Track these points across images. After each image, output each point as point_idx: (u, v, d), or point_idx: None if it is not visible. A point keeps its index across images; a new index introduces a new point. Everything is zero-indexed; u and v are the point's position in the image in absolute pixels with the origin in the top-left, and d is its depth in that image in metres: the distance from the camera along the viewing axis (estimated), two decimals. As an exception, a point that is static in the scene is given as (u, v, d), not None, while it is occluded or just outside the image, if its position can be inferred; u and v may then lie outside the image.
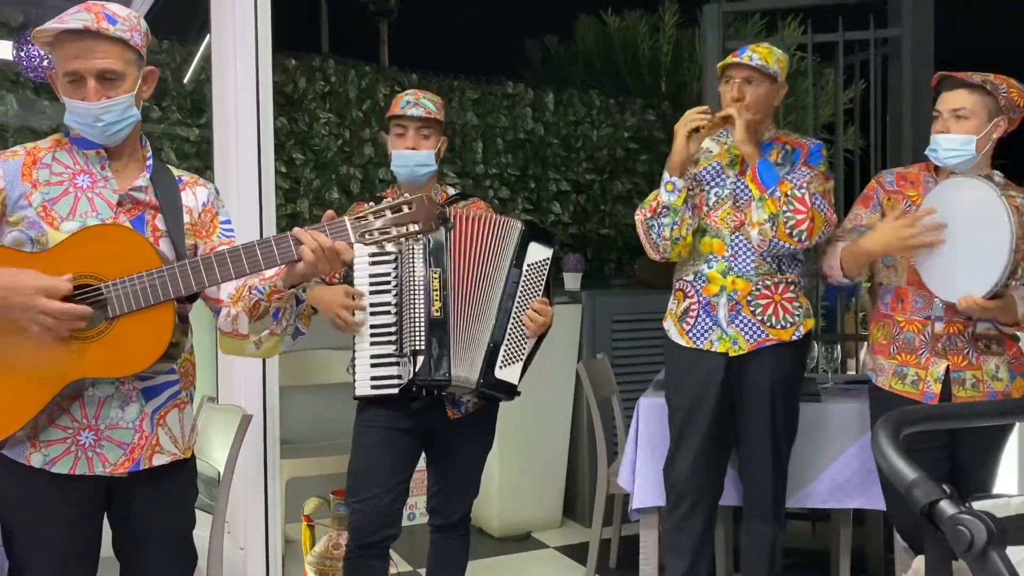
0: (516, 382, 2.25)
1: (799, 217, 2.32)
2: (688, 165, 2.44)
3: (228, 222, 1.82)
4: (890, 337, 2.39)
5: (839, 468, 2.70)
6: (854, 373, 3.66)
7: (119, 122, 1.63)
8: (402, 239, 1.60)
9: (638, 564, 2.85)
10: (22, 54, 3.69)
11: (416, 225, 1.60)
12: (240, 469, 2.48)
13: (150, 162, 1.73)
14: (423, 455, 2.39)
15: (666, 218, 2.43)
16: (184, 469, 1.78)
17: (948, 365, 2.29)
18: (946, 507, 0.95)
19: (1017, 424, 2.45)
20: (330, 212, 1.65)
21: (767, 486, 2.50)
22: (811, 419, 2.72)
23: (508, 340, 2.24)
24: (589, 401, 3.26)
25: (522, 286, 2.26)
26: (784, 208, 2.33)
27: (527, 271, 2.27)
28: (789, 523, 3.71)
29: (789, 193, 2.33)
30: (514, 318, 2.25)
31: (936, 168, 2.38)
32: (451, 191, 2.47)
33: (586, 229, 5.22)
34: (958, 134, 2.23)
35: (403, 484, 2.31)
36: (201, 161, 4.03)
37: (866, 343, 2.57)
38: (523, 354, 2.26)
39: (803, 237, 2.34)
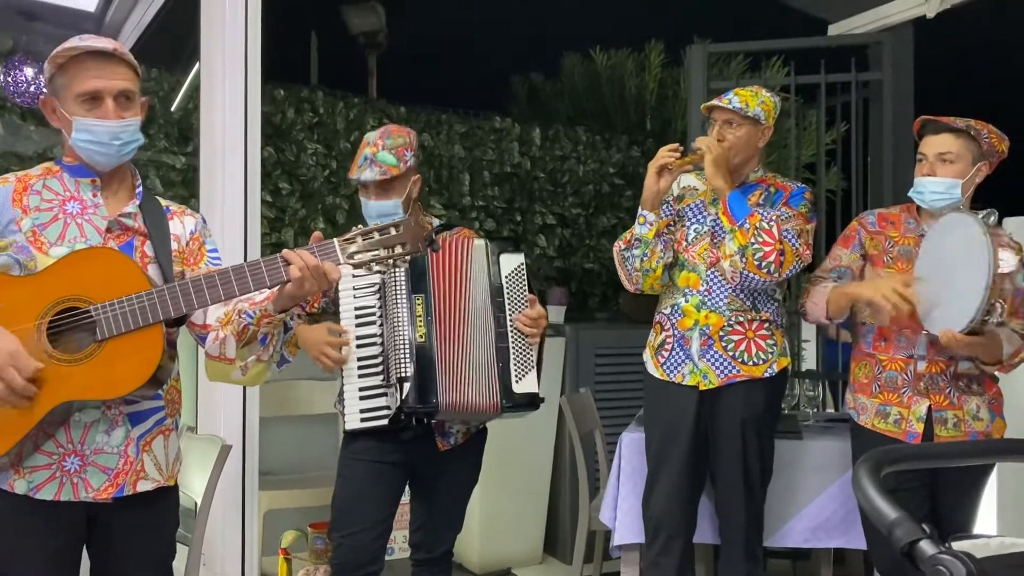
0: (536, 390, 2.25)
1: (767, 249, 2.34)
2: (659, 200, 2.48)
3: (215, 250, 1.83)
4: (872, 376, 2.41)
5: (820, 506, 2.70)
6: (833, 411, 3.67)
7: (132, 142, 1.68)
8: (390, 260, 1.61)
9: (619, 602, 2.82)
10: (9, 79, 3.69)
11: (404, 247, 1.61)
12: (218, 500, 2.45)
13: (139, 189, 1.75)
14: (407, 488, 2.37)
15: (637, 250, 2.49)
16: (167, 497, 1.77)
17: (930, 404, 2.31)
18: (926, 547, 0.95)
19: (997, 465, 2.46)
20: (317, 234, 1.68)
21: (740, 524, 2.49)
22: (792, 456, 2.72)
23: (515, 354, 2.24)
24: (571, 435, 3.25)
25: (508, 299, 2.26)
26: (752, 240, 2.35)
27: (507, 283, 2.27)
28: (769, 561, 3.70)
29: (758, 225, 2.36)
30: (512, 331, 2.25)
31: (919, 209, 2.41)
32: (436, 222, 2.47)
33: (571, 263, 5.24)
34: (945, 177, 2.27)
35: (389, 519, 2.29)
36: (187, 189, 4.02)
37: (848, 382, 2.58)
38: (533, 361, 2.26)
39: (771, 269, 2.35)
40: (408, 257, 1.62)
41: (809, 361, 4.36)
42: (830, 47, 3.92)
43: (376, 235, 1.61)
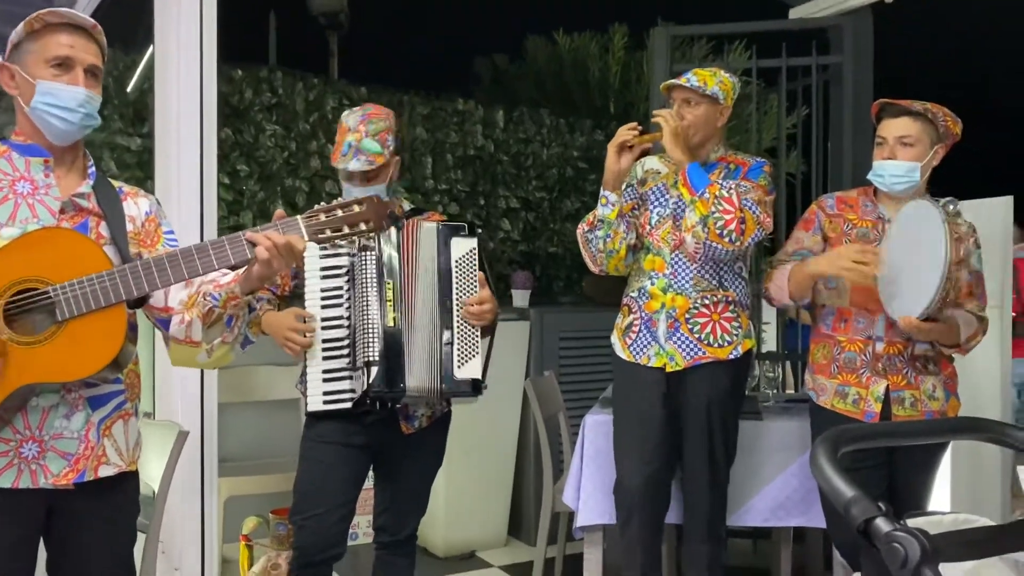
0: (479, 376, 2.23)
1: (727, 217, 2.35)
2: (621, 180, 2.49)
3: (171, 232, 1.81)
4: (830, 357, 2.44)
5: (780, 486, 2.74)
6: (793, 392, 3.72)
7: (93, 117, 1.65)
8: (353, 237, 1.62)
9: (582, 583, 2.84)
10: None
11: (367, 224, 1.61)
12: (176, 487, 2.41)
13: (92, 170, 1.72)
14: (371, 472, 2.36)
15: (600, 231, 2.50)
16: (128, 483, 1.74)
17: (888, 384, 2.34)
18: (881, 524, 0.96)
19: (951, 443, 2.51)
20: (279, 212, 1.66)
21: (704, 506, 2.51)
22: (752, 437, 2.75)
23: (459, 338, 2.22)
24: (536, 418, 3.25)
25: (456, 284, 2.24)
26: (713, 209, 2.37)
27: (457, 267, 2.25)
28: (730, 541, 3.75)
29: (717, 194, 2.38)
30: (458, 315, 2.23)
31: (876, 192, 2.44)
32: (407, 205, 2.44)
33: (535, 247, 5.23)
34: (904, 160, 2.30)
35: (351, 502, 2.28)
36: (142, 171, 3.93)
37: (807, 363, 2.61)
38: (478, 348, 2.24)
39: (733, 237, 2.36)
40: (372, 235, 1.64)
41: (769, 343, 4.41)
42: (791, 31, 3.94)
43: (339, 212, 1.61)
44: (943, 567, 0.92)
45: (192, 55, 2.61)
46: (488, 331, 2.29)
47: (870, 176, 2.38)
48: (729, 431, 2.53)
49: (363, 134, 2.25)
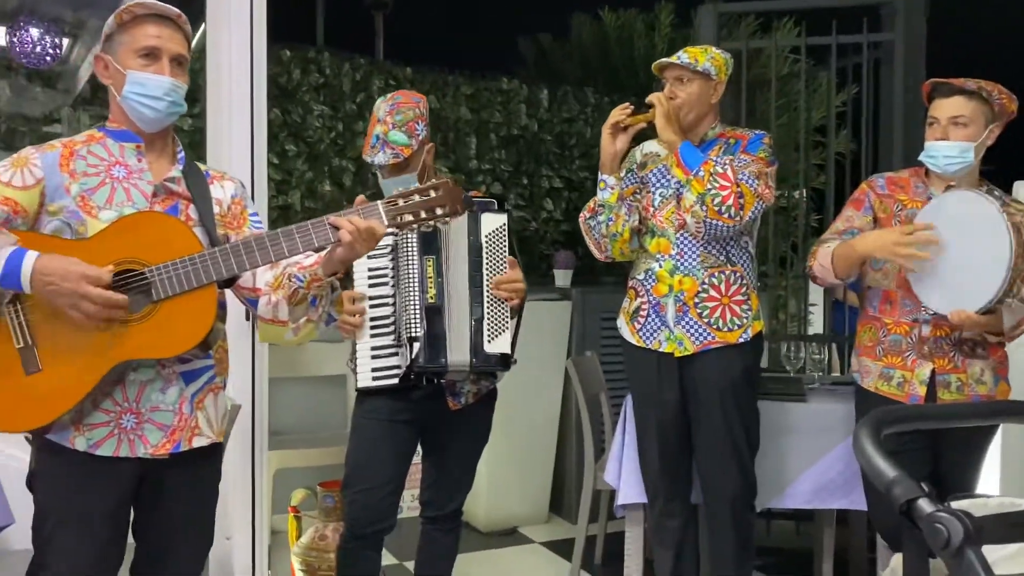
0: (509, 351, 2.27)
1: (724, 193, 2.34)
2: (617, 162, 2.49)
3: (256, 214, 1.90)
4: (876, 339, 2.41)
5: (823, 468, 2.72)
6: (839, 374, 3.68)
7: (179, 105, 1.73)
8: (431, 222, 1.67)
9: (623, 560, 2.87)
10: (15, 40, 3.67)
11: (444, 208, 1.67)
12: (228, 459, 2.48)
13: (181, 155, 1.81)
14: (419, 447, 2.41)
15: (601, 216, 2.52)
16: (216, 453, 1.84)
17: (934, 368, 2.31)
18: (924, 505, 0.96)
19: (1001, 427, 2.48)
20: (361, 197, 1.77)
21: (729, 492, 2.49)
22: (796, 419, 2.74)
23: (488, 313, 2.25)
24: (577, 398, 3.27)
25: (486, 258, 2.27)
26: (709, 186, 2.35)
27: (486, 242, 2.28)
28: (773, 523, 3.75)
29: (712, 171, 2.36)
30: (488, 291, 2.26)
31: (927, 173, 2.40)
32: None
33: (578, 227, 5.22)
34: (958, 141, 2.25)
35: (401, 476, 2.33)
36: (194, 151, 4.00)
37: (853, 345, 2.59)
38: (507, 323, 2.27)
39: (732, 213, 2.34)
40: (448, 219, 1.68)
41: (816, 325, 4.37)
42: (842, 7, 3.87)
43: (417, 197, 1.67)
44: (986, 549, 0.92)
45: (243, 36, 2.65)
46: (516, 309, 2.32)
47: (922, 157, 2.33)
48: (746, 416, 2.51)
49: (390, 126, 2.24)
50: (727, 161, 2.38)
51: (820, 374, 3.13)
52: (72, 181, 1.67)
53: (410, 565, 2.56)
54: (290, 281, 1.73)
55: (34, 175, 1.65)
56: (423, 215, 1.67)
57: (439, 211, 1.67)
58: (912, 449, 2.24)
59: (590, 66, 6.09)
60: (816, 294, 4.35)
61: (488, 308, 2.26)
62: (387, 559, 3.40)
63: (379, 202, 1.67)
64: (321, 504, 2.86)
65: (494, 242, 2.29)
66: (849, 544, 3.32)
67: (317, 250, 1.69)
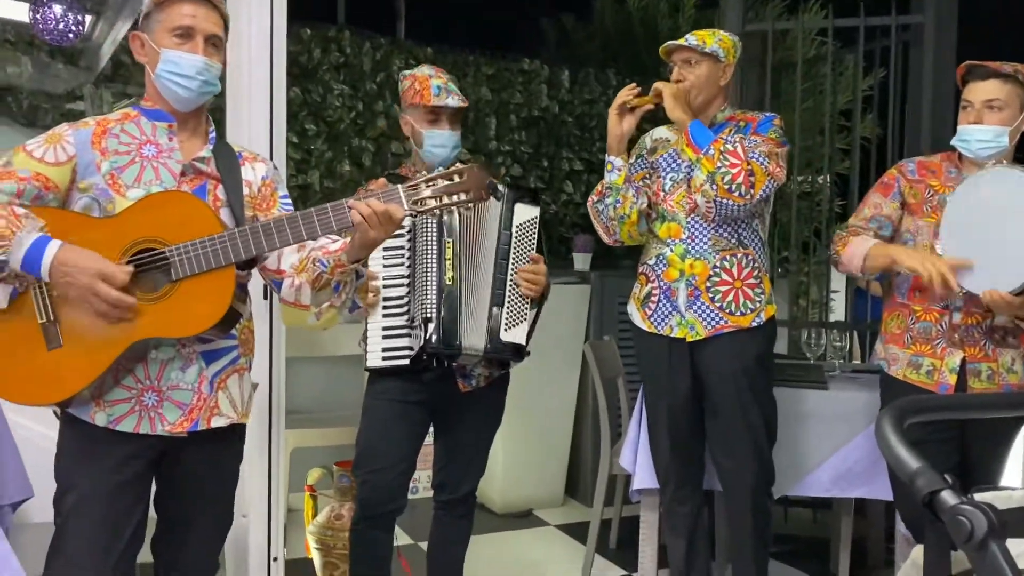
0: (523, 343, 2.26)
1: (734, 171, 2.31)
2: (624, 144, 2.47)
3: (287, 196, 1.89)
4: (904, 326, 2.37)
5: (844, 457, 2.70)
6: (860, 362, 3.65)
7: (212, 84, 1.73)
8: (453, 208, 1.63)
9: (638, 544, 2.86)
10: (38, 16, 3.68)
11: (467, 194, 1.63)
12: (246, 437, 2.50)
13: (212, 135, 1.81)
14: (431, 429, 2.40)
15: (609, 199, 2.49)
16: (237, 433, 1.85)
17: (964, 356, 2.28)
18: (947, 497, 0.95)
19: (1026, 418, 2.43)
20: (382, 180, 1.72)
21: (746, 479, 2.47)
22: (817, 407, 2.71)
23: (508, 303, 2.25)
24: (595, 382, 3.26)
25: (514, 248, 2.27)
26: (719, 164, 2.32)
27: (516, 232, 2.28)
28: (790, 510, 3.73)
29: (722, 148, 2.33)
30: (511, 280, 2.26)
31: (960, 158, 2.35)
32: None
33: (598, 210, 5.19)
34: (992, 125, 2.21)
35: (412, 457, 2.33)
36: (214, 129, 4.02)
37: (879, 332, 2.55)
38: (525, 315, 2.27)
39: (742, 191, 2.31)
40: (471, 205, 1.64)
41: (837, 312, 4.32)
42: (871, -11, 3.79)
43: (440, 182, 1.63)
44: (1010, 543, 0.90)
45: (263, 13, 2.63)
46: (536, 302, 2.32)
47: (955, 141, 2.29)
48: (762, 401, 2.48)
49: (445, 79, 2.31)
50: (737, 139, 2.35)
51: (841, 361, 3.10)
52: (103, 159, 1.68)
53: (425, 546, 2.56)
54: (314, 265, 1.72)
55: (66, 152, 1.66)
56: (445, 200, 1.62)
57: (462, 196, 1.63)
58: (939, 439, 2.21)
59: (612, 47, 6.03)
60: (838, 281, 4.29)
61: (509, 297, 2.25)
62: (402, 539, 3.42)
63: (400, 186, 1.64)
64: (337, 484, 2.87)
65: (524, 233, 2.29)
66: (867, 534, 3.30)
67: (336, 233, 1.68)
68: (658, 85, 2.41)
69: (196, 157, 1.75)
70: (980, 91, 2.23)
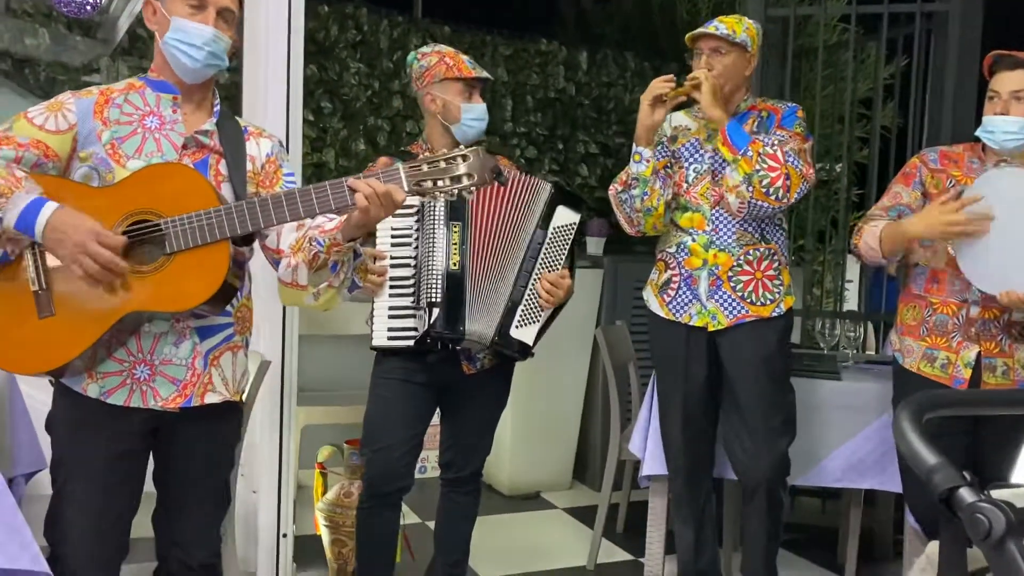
0: (531, 343, 2.26)
1: (773, 175, 2.28)
2: (654, 135, 2.42)
3: (291, 174, 1.85)
4: (920, 319, 2.35)
5: (855, 447, 2.69)
6: (874, 353, 3.62)
7: (219, 58, 1.70)
8: (455, 191, 1.58)
9: (645, 529, 2.87)
10: (56, -12, 3.67)
11: (470, 178, 1.57)
12: (257, 414, 2.51)
13: (218, 108, 1.78)
14: (438, 409, 2.41)
15: (636, 189, 2.43)
16: (231, 412, 1.83)
17: (980, 351, 2.26)
18: (965, 494, 0.93)
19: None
20: (385, 159, 1.69)
21: (764, 469, 2.46)
22: (830, 397, 2.70)
23: (526, 301, 2.25)
24: (606, 367, 3.26)
25: (545, 248, 2.27)
26: (758, 167, 2.29)
27: (552, 234, 2.28)
28: (798, 499, 3.72)
29: (761, 151, 2.30)
30: (534, 280, 2.25)
31: (984, 148, 2.32)
32: None
33: (613, 194, 5.16)
34: (1018, 116, 2.18)
35: (418, 437, 2.33)
36: (230, 106, 4.00)
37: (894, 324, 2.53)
38: (539, 317, 2.27)
39: (780, 195, 2.30)
40: (473, 190, 1.58)
41: (851, 301, 4.29)
42: (895, -25, 3.74)
43: (443, 163, 1.57)
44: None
45: (281, -11, 2.61)
46: (556, 310, 2.31)
47: (979, 132, 2.26)
48: (781, 392, 2.47)
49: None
50: (775, 141, 2.33)
51: (854, 352, 3.08)
52: (104, 128, 1.66)
53: (433, 525, 2.58)
54: (311, 244, 1.67)
55: (68, 120, 1.65)
56: (448, 183, 1.57)
57: (465, 180, 1.57)
58: (950, 434, 2.20)
59: (631, 30, 5.98)
60: (853, 271, 4.27)
61: (528, 296, 2.25)
62: (410, 518, 3.43)
63: (401, 165, 1.58)
64: (347, 462, 2.89)
65: (559, 236, 2.29)
66: (875, 524, 3.29)
67: (337, 212, 1.63)
68: (699, 75, 2.34)
69: (199, 130, 1.72)
70: (1008, 81, 2.20)
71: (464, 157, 1.57)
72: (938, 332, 2.31)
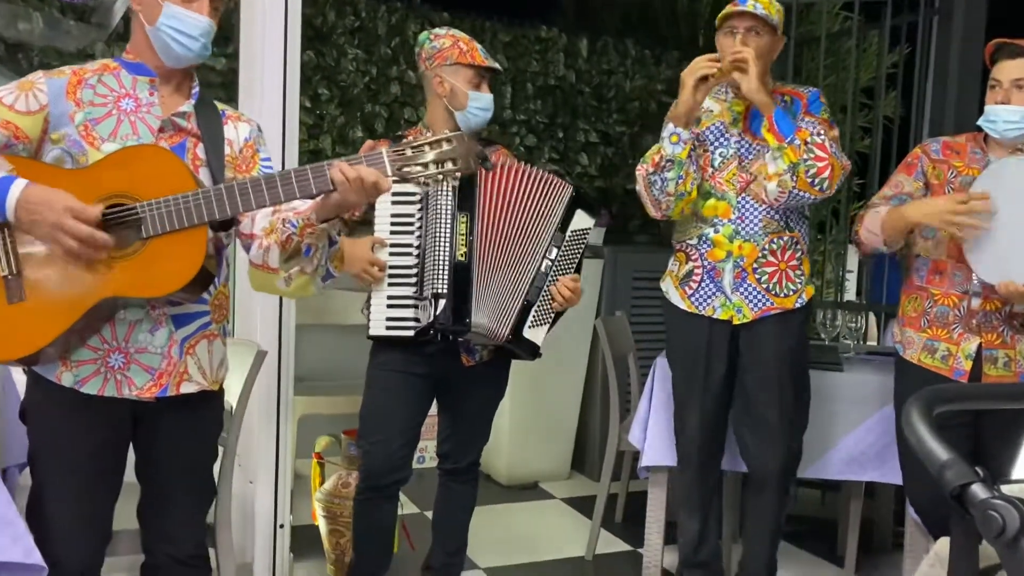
0: (540, 344, 2.25)
1: (820, 165, 2.24)
2: (694, 116, 2.34)
3: (268, 159, 1.82)
4: (921, 310, 2.34)
5: (856, 440, 2.68)
6: (876, 344, 3.61)
7: (208, 49, 1.67)
8: (439, 177, 1.56)
9: (643, 520, 2.85)
10: (50, -28, 3.62)
11: (455, 163, 1.55)
12: (253, 404, 2.49)
13: (195, 91, 1.74)
14: (435, 400, 2.39)
15: (670, 172, 2.34)
16: (210, 402, 1.79)
17: (981, 342, 2.24)
18: (978, 491, 0.92)
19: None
20: (369, 142, 1.63)
21: (778, 461, 2.45)
22: (830, 388, 2.69)
23: (540, 302, 2.23)
24: (605, 357, 3.24)
25: (561, 251, 2.25)
26: (805, 156, 2.25)
27: (569, 237, 2.26)
28: (799, 491, 3.71)
29: (809, 141, 2.26)
30: (549, 282, 2.23)
31: (986, 139, 2.29)
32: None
33: (612, 183, 5.12)
34: (1020, 105, 2.15)
35: (415, 428, 2.31)
36: (226, 92, 3.97)
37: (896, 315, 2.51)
38: (550, 318, 2.26)
39: (825, 186, 2.26)
40: (458, 175, 1.56)
41: (851, 292, 4.27)
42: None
43: (427, 148, 1.55)
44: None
45: (277, -26, 2.57)
46: (560, 310, 2.30)
47: (981, 122, 2.23)
48: (801, 384, 2.46)
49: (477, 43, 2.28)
50: (820, 131, 2.28)
51: (856, 343, 3.06)
52: (77, 109, 1.61)
53: (431, 515, 2.56)
54: (284, 226, 1.63)
55: (39, 100, 1.60)
56: (432, 169, 1.54)
57: (449, 165, 1.54)
58: (953, 427, 2.18)
59: (631, 17, 5.93)
60: (852, 262, 4.25)
61: (542, 297, 2.24)
62: (409, 508, 3.42)
63: (384, 150, 1.56)
64: (345, 452, 2.87)
65: (574, 240, 2.28)
66: (875, 517, 3.28)
67: (315, 197, 1.60)
68: (746, 54, 2.24)
69: (176, 112, 1.68)
70: (1009, 70, 2.18)
71: (448, 141, 1.55)
72: (939, 324, 2.29)
